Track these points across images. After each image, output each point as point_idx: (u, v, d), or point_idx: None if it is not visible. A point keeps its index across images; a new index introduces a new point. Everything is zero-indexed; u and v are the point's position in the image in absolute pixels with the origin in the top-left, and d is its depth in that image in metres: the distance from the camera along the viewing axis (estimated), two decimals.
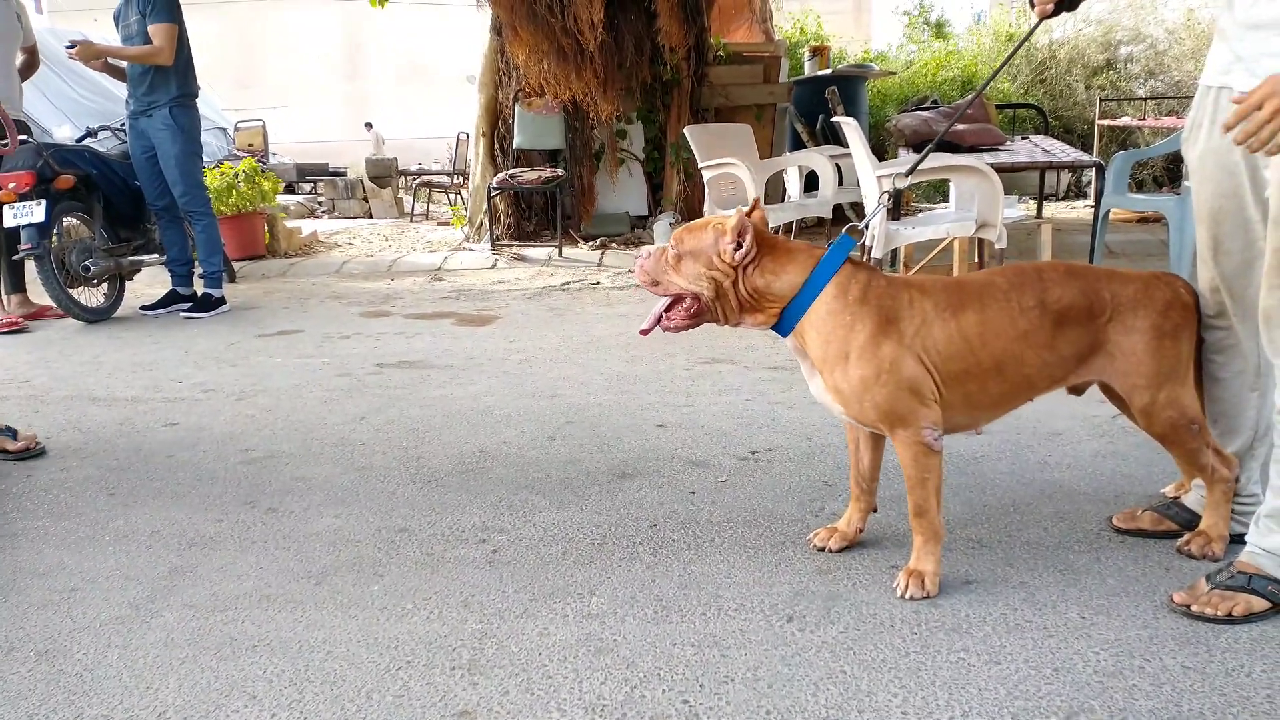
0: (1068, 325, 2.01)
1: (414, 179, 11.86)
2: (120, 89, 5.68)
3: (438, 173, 12.13)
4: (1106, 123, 9.20)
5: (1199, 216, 2.05)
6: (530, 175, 7.47)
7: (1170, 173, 9.48)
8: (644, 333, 2.10)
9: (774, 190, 6.85)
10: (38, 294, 5.36)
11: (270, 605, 2.08)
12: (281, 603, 2.09)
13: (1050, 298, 2.00)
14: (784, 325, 2.03)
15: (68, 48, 5.28)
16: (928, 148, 2.36)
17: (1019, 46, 2.82)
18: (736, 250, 1.97)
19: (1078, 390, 2.19)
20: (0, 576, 2.25)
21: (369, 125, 14.93)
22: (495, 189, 7.59)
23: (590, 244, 7.60)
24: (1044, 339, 2.00)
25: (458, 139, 11.50)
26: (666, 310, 2.06)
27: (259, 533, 2.47)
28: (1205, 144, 1.99)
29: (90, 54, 5.28)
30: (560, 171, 7.56)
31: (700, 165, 6.12)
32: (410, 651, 1.87)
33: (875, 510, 2.28)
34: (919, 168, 2.43)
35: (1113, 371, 2.05)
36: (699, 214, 6.94)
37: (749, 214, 2.02)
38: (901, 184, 2.61)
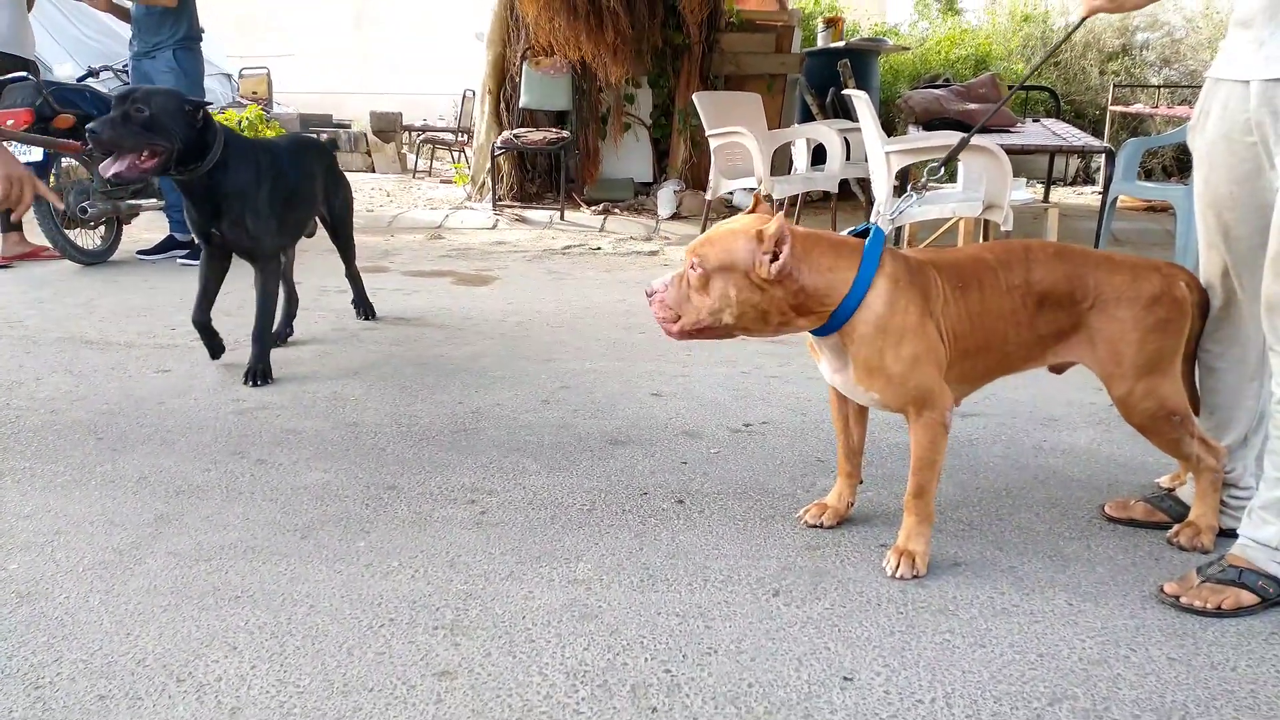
0: (1048, 307, 2.00)
1: (418, 135, 11.74)
2: (124, 29, 5.59)
3: (442, 129, 12.00)
4: (1119, 109, 9.12)
5: (1206, 204, 2.03)
6: (535, 136, 7.40)
7: (1180, 162, 9.42)
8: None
9: (781, 161, 6.79)
10: (34, 234, 5.32)
11: (255, 557, 2.06)
12: (266, 555, 2.07)
13: (1034, 277, 1.99)
14: (833, 323, 1.87)
15: None
16: (966, 136, 2.30)
17: (1068, 35, 2.76)
18: (773, 262, 1.78)
19: (1058, 369, 2.18)
20: None
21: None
22: (499, 148, 7.52)
23: (593, 208, 7.54)
24: (1025, 318, 1.99)
25: (463, 96, 11.36)
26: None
27: (246, 484, 2.45)
28: (1215, 130, 1.97)
29: None
30: (566, 133, 7.49)
31: (707, 132, 6.06)
32: (394, 609, 1.86)
33: (861, 481, 2.27)
34: (934, 151, 2.39)
35: (1091, 358, 2.04)
36: (704, 183, 6.88)
37: (753, 208, 1.94)
38: (927, 171, 2.49)
